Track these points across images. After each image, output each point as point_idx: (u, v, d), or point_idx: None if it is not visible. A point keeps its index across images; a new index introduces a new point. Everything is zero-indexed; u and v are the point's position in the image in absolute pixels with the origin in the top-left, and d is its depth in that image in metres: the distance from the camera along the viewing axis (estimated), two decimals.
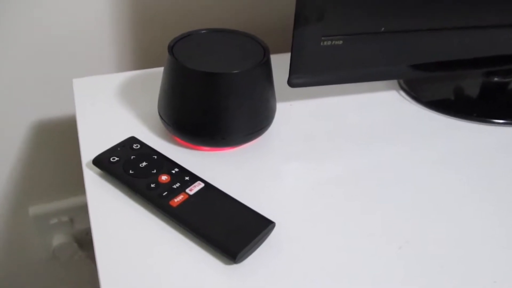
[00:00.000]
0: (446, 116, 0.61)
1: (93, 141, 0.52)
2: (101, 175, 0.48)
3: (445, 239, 0.44)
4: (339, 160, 0.53)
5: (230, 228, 0.41)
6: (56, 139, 0.78)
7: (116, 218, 0.44)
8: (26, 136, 0.75)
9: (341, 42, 0.53)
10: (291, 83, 0.54)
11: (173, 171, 0.46)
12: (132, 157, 0.48)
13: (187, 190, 0.44)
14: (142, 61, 0.75)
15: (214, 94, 0.48)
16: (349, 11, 0.52)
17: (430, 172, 0.52)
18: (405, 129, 0.58)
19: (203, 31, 0.53)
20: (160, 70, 0.52)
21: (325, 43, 0.52)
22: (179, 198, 0.43)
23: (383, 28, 0.54)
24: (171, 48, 0.50)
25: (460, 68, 0.62)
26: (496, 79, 0.67)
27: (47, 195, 0.84)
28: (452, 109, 0.62)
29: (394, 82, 0.66)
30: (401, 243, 0.43)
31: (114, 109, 0.58)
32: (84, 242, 0.88)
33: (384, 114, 0.60)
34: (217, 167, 0.50)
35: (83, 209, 0.45)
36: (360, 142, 0.55)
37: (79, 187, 0.47)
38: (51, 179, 0.82)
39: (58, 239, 0.87)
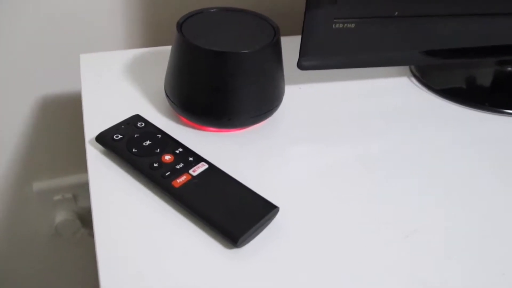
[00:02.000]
0: (458, 104, 0.60)
1: (97, 118, 0.51)
2: (104, 153, 0.47)
3: (454, 228, 0.43)
4: (347, 145, 0.52)
5: (232, 211, 0.40)
6: (62, 115, 0.77)
7: (117, 197, 0.43)
8: (32, 111, 0.75)
9: (353, 25, 0.51)
10: (300, 65, 0.53)
11: (177, 151, 0.46)
12: (136, 135, 0.47)
13: (191, 171, 0.44)
14: (151, 38, 0.74)
15: (221, 74, 0.47)
16: None
17: (439, 160, 0.51)
18: (415, 116, 0.57)
19: (213, 10, 0.52)
20: (169, 48, 0.51)
21: (337, 25, 0.51)
22: (182, 179, 0.43)
23: (396, 12, 0.52)
24: (180, 26, 0.49)
25: (474, 56, 0.60)
26: (509, 68, 0.66)
27: (51, 171, 0.83)
28: (464, 98, 0.60)
29: (406, 68, 0.65)
30: (409, 232, 0.42)
31: (120, 86, 0.57)
32: (87, 219, 0.88)
33: (394, 100, 0.59)
34: (222, 149, 0.49)
35: (87, 186, 0.44)
36: (368, 127, 0.54)
37: (84, 164, 0.47)
38: (55, 155, 0.82)
39: (61, 216, 0.87)
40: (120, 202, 0.43)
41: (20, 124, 0.76)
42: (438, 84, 0.62)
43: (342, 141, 0.52)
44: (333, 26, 0.51)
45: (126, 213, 0.42)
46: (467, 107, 0.59)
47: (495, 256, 0.41)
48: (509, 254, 0.41)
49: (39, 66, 0.70)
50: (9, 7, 0.64)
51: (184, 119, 0.51)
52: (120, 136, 0.47)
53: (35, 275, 0.96)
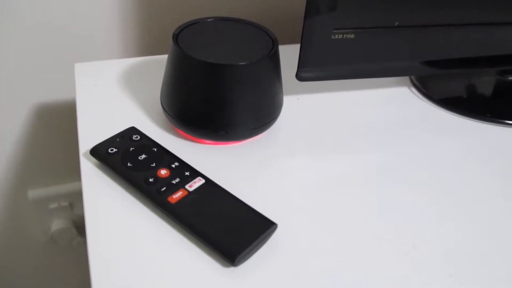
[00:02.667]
0: (458, 115, 0.59)
1: (92, 130, 0.50)
2: (98, 166, 0.46)
3: (454, 242, 0.42)
4: (346, 157, 0.51)
5: (230, 229, 0.39)
6: (57, 123, 0.76)
7: (111, 212, 0.42)
8: (28, 120, 0.74)
9: (353, 35, 0.51)
10: (299, 76, 0.52)
11: (173, 165, 0.45)
12: (131, 148, 0.46)
13: (187, 186, 0.43)
14: (147, 48, 0.73)
15: (218, 86, 0.46)
16: (362, 4, 0.49)
17: (439, 172, 0.50)
18: (415, 127, 0.56)
19: (209, 20, 0.51)
20: (165, 57, 0.50)
21: (336, 36, 0.50)
22: (178, 195, 0.42)
23: (396, 23, 0.52)
24: (175, 36, 0.48)
25: (475, 66, 0.60)
26: (510, 78, 0.65)
27: (47, 179, 0.82)
28: (464, 108, 0.59)
29: (406, 78, 0.64)
30: (409, 247, 0.42)
31: (115, 96, 0.56)
32: (83, 227, 0.87)
33: (394, 111, 0.58)
34: (219, 162, 0.48)
35: None
36: (368, 139, 0.53)
37: (79, 173, 0.46)
38: (51, 164, 0.81)
39: (57, 224, 0.86)
40: (115, 218, 0.42)
41: (16, 132, 0.75)
42: (439, 94, 0.61)
43: (342, 153, 0.51)
44: (332, 37, 0.50)
45: (120, 228, 0.41)
46: (468, 118, 0.59)
47: (496, 272, 0.40)
48: (510, 270, 0.40)
49: (35, 74, 0.69)
50: (5, 16, 0.63)
51: (180, 132, 0.50)
52: (115, 150, 0.46)
53: (31, 283, 0.95)
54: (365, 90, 0.61)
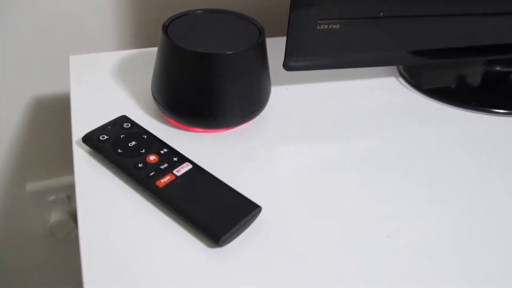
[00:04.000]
0: (445, 104, 0.60)
1: (85, 119, 0.52)
2: (90, 153, 0.48)
3: (437, 228, 0.44)
4: (332, 146, 0.52)
5: (215, 211, 0.41)
6: (54, 116, 0.77)
7: (103, 197, 0.43)
8: (25, 112, 0.75)
9: (338, 26, 0.52)
10: (286, 66, 0.53)
11: (162, 152, 0.46)
12: (121, 136, 0.48)
13: (175, 171, 0.44)
14: (141, 40, 0.74)
15: (206, 75, 0.47)
16: None
17: (425, 160, 0.51)
18: (402, 116, 0.57)
19: (199, 11, 0.53)
20: None
21: (322, 27, 0.51)
22: (166, 179, 0.43)
23: (381, 13, 0.53)
24: (165, 28, 0.49)
25: (462, 56, 0.61)
26: (498, 68, 0.66)
27: (45, 172, 0.84)
28: (451, 98, 0.61)
29: (394, 68, 0.66)
30: (390, 231, 0.43)
31: (108, 87, 0.57)
32: None
33: (381, 100, 0.60)
34: (208, 149, 0.49)
35: None
36: (355, 128, 0.55)
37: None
38: (49, 156, 0.82)
39: (55, 216, 0.87)
40: (106, 202, 0.43)
41: (13, 125, 0.76)
42: (426, 84, 0.63)
43: (328, 141, 0.53)
44: (318, 27, 0.51)
45: (111, 212, 0.42)
46: (454, 107, 0.60)
47: (478, 257, 0.41)
48: (491, 255, 0.42)
49: (30, 67, 0.71)
50: None
51: (170, 120, 0.52)
52: (106, 137, 0.47)
53: (29, 275, 0.97)
54: (353, 80, 0.62)
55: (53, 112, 0.77)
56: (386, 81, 0.63)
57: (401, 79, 0.64)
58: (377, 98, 0.60)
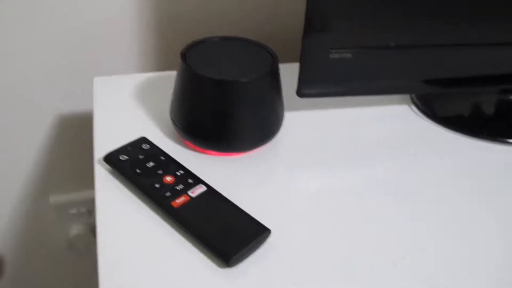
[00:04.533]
0: (457, 133, 0.61)
1: (107, 139, 0.54)
2: (110, 172, 0.50)
3: (442, 257, 0.45)
4: (343, 172, 0.54)
5: (226, 232, 0.43)
6: (78, 133, 0.80)
7: (120, 214, 0.46)
8: (50, 129, 0.79)
9: (349, 55, 0.54)
10: (300, 93, 0.55)
11: (178, 173, 0.48)
12: (140, 156, 0.50)
13: (189, 192, 0.46)
14: (163, 63, 0.77)
15: (222, 101, 0.50)
16: (358, 25, 0.53)
17: (434, 189, 0.52)
18: (413, 144, 0.59)
19: (215, 39, 0.55)
20: None
21: (333, 55, 0.53)
22: (181, 200, 0.45)
23: (393, 43, 0.54)
24: (183, 55, 0.52)
25: (475, 85, 0.61)
26: (511, 97, 0.67)
27: (68, 186, 0.87)
28: (464, 126, 0.62)
29: (406, 96, 0.67)
30: (397, 259, 0.44)
31: (129, 109, 0.60)
32: None
33: (393, 128, 0.61)
34: (222, 172, 0.52)
35: None
36: (366, 155, 0.56)
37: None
38: (72, 171, 0.85)
39: (76, 229, 0.90)
40: (123, 219, 0.45)
41: (40, 140, 0.80)
42: (438, 112, 0.64)
43: (339, 167, 0.54)
44: (330, 56, 0.53)
45: (128, 229, 0.44)
46: (467, 136, 0.61)
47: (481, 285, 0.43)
48: (494, 284, 0.43)
49: (56, 86, 0.74)
50: (27, 29, 0.68)
51: (187, 143, 0.54)
52: (126, 157, 0.50)
53: (49, 286, 1.00)
54: (366, 106, 0.64)
55: (77, 130, 0.80)
56: (399, 109, 0.65)
57: (413, 107, 0.65)
58: (389, 125, 0.61)
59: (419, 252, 0.45)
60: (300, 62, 0.52)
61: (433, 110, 0.64)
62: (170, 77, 0.66)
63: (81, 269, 0.98)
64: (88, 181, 0.87)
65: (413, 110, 0.65)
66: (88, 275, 0.99)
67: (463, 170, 0.55)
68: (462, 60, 0.58)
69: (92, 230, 0.91)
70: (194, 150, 0.54)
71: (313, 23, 0.50)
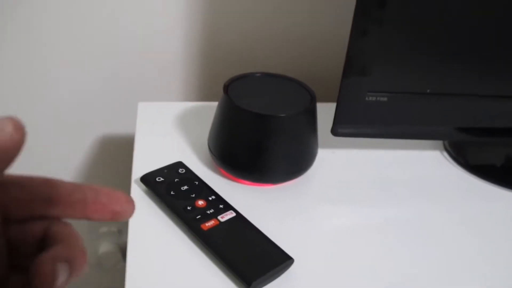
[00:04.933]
0: (488, 182, 0.61)
1: (145, 161, 0.57)
2: (146, 192, 0.53)
3: None
4: (370, 211, 0.55)
5: (250, 257, 0.44)
6: (117, 153, 0.84)
7: (152, 232, 0.48)
8: (91, 148, 0.82)
9: (386, 99, 0.55)
10: (334, 132, 0.57)
11: (210, 198, 0.50)
12: (176, 180, 0.52)
13: (219, 217, 0.48)
14: (205, 94, 0.80)
15: (257, 133, 0.52)
16: (396, 70, 0.55)
17: (457, 235, 0.53)
18: (441, 190, 0.59)
19: (258, 74, 0.58)
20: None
21: (370, 98, 0.55)
22: (210, 223, 0.47)
23: (428, 90, 0.56)
24: (226, 87, 0.55)
25: (507, 136, 0.62)
26: None
27: None
28: (495, 176, 0.62)
29: (439, 142, 0.68)
30: None
31: (169, 134, 0.63)
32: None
33: (423, 173, 0.62)
34: (252, 201, 0.53)
35: None
36: (394, 196, 0.57)
37: None
38: None
39: (105, 247, 0.93)
40: (154, 238, 0.48)
41: (79, 159, 0.83)
42: (470, 160, 0.64)
43: (366, 206, 0.55)
44: (366, 98, 0.55)
45: (157, 247, 0.47)
46: (497, 186, 0.61)
47: None
48: None
49: (101, 108, 0.78)
50: (79, 49, 0.73)
51: (222, 170, 0.56)
52: (162, 179, 0.52)
53: None
54: (398, 150, 0.65)
55: (117, 151, 0.83)
56: (431, 154, 0.66)
57: (445, 153, 0.66)
58: (419, 170, 0.62)
59: None
60: (337, 102, 0.54)
61: (464, 159, 0.65)
62: (211, 107, 0.68)
63: (107, 286, 1.00)
64: None
65: (445, 156, 0.66)
66: None
67: (490, 219, 0.56)
68: (497, 110, 0.59)
69: (121, 249, 0.94)
70: (228, 178, 0.56)
71: (353, 66, 0.53)
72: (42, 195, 0.24)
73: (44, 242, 0.24)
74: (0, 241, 0.23)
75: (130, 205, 0.25)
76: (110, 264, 0.94)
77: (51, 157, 0.82)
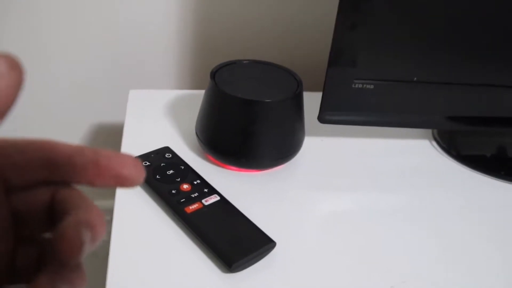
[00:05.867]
0: (474, 170, 0.62)
1: (133, 146, 0.57)
2: None
3: (443, 283, 0.45)
4: (356, 198, 0.55)
5: (232, 240, 0.45)
6: (108, 140, 0.84)
7: (136, 217, 0.49)
8: (83, 136, 0.83)
9: (372, 86, 0.56)
10: (321, 118, 0.57)
11: (195, 182, 0.51)
12: (162, 164, 0.53)
13: (203, 201, 0.49)
14: (197, 83, 0.81)
15: (244, 119, 0.52)
16: (382, 58, 0.55)
17: (443, 222, 0.53)
18: (429, 178, 0.60)
19: (245, 61, 0.58)
20: None
21: (356, 85, 0.55)
22: (194, 206, 0.48)
23: (415, 78, 0.56)
24: (213, 74, 0.55)
25: (496, 125, 0.62)
26: None
27: (92, 193, 0.90)
28: (481, 165, 0.62)
29: (428, 131, 0.68)
30: (398, 282, 0.45)
31: (158, 121, 0.63)
32: None
33: (411, 161, 0.62)
34: (238, 186, 0.54)
35: None
36: (381, 184, 0.58)
37: None
38: None
39: None
40: (138, 221, 0.48)
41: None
42: (457, 149, 0.65)
43: (351, 193, 0.56)
44: (353, 85, 0.55)
45: (141, 230, 0.47)
46: (483, 174, 0.61)
47: None
48: None
49: (93, 97, 0.79)
50: (71, 37, 0.73)
51: (208, 156, 0.57)
52: (148, 163, 0.53)
53: None
54: (386, 138, 0.65)
55: (108, 138, 0.84)
56: (419, 143, 0.66)
57: (434, 142, 0.66)
58: (407, 158, 0.63)
59: (419, 279, 0.46)
60: (323, 89, 0.55)
61: (452, 148, 0.65)
62: (201, 95, 0.69)
63: (102, 274, 1.01)
64: (113, 191, 0.90)
65: (433, 145, 0.66)
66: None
67: (476, 206, 0.56)
68: (485, 99, 0.59)
69: None
70: (214, 164, 0.57)
71: (339, 53, 0.53)
72: (42, 158, 0.22)
73: (52, 210, 0.23)
74: (2, 212, 0.21)
75: (138, 169, 0.22)
76: (104, 253, 0.94)
77: None
